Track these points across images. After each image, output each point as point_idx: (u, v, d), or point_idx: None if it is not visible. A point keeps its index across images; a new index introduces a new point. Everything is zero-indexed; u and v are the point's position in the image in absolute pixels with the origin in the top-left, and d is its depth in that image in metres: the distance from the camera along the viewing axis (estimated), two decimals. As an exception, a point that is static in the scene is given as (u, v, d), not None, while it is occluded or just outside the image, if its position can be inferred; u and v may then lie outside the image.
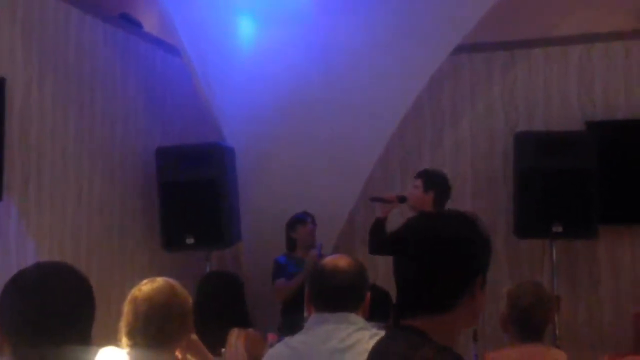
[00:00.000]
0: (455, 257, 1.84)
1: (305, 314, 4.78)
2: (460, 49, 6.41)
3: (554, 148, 5.97)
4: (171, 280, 2.81)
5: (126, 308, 2.75)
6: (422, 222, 1.97)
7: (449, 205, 5.54)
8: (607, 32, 6.54)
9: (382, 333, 2.72)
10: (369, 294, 2.83)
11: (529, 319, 3.33)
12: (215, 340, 3.65)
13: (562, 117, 6.58)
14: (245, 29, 6.55)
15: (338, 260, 2.85)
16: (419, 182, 5.48)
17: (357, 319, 2.74)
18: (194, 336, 2.90)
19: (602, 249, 6.43)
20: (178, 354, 2.79)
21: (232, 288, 4.44)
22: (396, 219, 5.67)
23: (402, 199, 5.51)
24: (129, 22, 6.28)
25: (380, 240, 5.55)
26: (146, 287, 2.75)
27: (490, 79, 6.86)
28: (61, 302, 1.80)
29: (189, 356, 2.93)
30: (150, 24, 6.56)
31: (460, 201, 6.73)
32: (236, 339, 3.96)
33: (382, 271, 6.54)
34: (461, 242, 1.86)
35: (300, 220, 5.92)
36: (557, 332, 5.65)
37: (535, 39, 6.74)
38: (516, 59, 6.80)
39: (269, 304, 5.91)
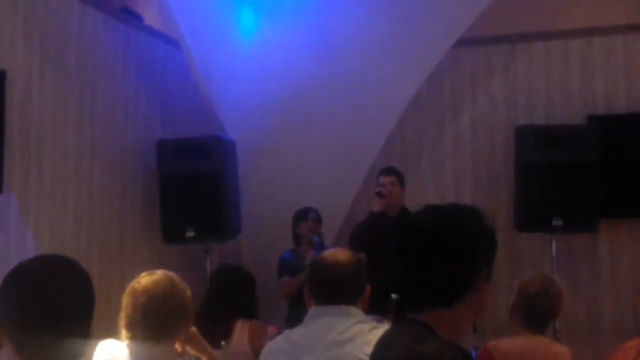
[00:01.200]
0: (461, 249, 1.83)
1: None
2: (461, 42, 6.40)
3: (554, 142, 5.97)
4: (170, 273, 2.81)
5: (125, 300, 2.75)
6: (428, 215, 1.96)
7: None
8: (607, 25, 6.53)
9: (381, 326, 2.73)
10: (368, 287, 2.83)
11: (533, 308, 3.34)
12: (219, 333, 3.66)
13: (563, 110, 6.58)
14: (246, 22, 6.54)
15: (337, 254, 2.86)
16: (393, 179, 5.61)
17: (356, 312, 2.74)
18: (193, 329, 2.90)
19: (603, 242, 6.43)
20: (177, 346, 2.80)
21: (241, 281, 4.45)
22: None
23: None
24: (130, 15, 6.27)
25: (374, 236, 5.48)
26: (145, 279, 2.76)
27: (491, 73, 6.85)
28: (60, 294, 1.80)
29: (188, 348, 2.94)
30: (150, 17, 6.55)
31: (460, 194, 6.75)
32: (240, 330, 3.97)
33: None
34: (466, 234, 1.85)
35: (301, 216, 5.93)
36: (557, 325, 5.66)
37: (536, 33, 6.72)
38: (517, 53, 6.79)
39: (270, 296, 5.91)
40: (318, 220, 5.90)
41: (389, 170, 5.70)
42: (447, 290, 1.83)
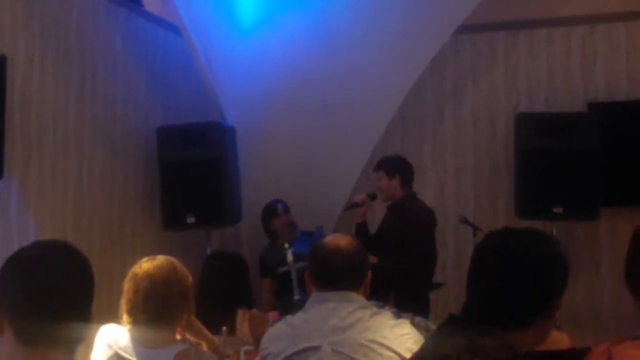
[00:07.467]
0: (542, 277, 1.87)
1: (296, 296, 4.81)
2: (462, 30, 6.38)
3: (555, 129, 5.96)
4: (171, 259, 2.81)
5: (126, 285, 2.76)
6: (511, 240, 1.98)
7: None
8: (609, 13, 6.51)
9: (383, 312, 2.74)
10: (369, 273, 2.83)
11: None
12: (216, 319, 3.65)
13: (564, 98, 6.57)
14: (246, 7, 6.51)
15: (338, 240, 2.85)
16: (381, 174, 5.50)
17: (357, 298, 2.74)
18: (192, 316, 2.90)
19: (603, 230, 6.42)
20: (178, 333, 2.80)
21: (236, 268, 4.44)
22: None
23: (373, 197, 5.55)
24: (131, 1, 6.24)
25: (365, 244, 5.44)
26: (147, 264, 2.76)
27: (492, 60, 6.84)
28: (60, 280, 1.80)
29: (188, 335, 2.94)
30: (151, 3, 6.52)
31: (461, 181, 6.75)
32: (241, 320, 3.97)
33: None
34: (549, 262, 1.89)
35: (269, 212, 5.90)
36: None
37: (537, 20, 6.70)
38: (518, 40, 6.78)
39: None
40: (287, 211, 5.88)
41: (376, 166, 5.59)
42: (522, 315, 1.84)
